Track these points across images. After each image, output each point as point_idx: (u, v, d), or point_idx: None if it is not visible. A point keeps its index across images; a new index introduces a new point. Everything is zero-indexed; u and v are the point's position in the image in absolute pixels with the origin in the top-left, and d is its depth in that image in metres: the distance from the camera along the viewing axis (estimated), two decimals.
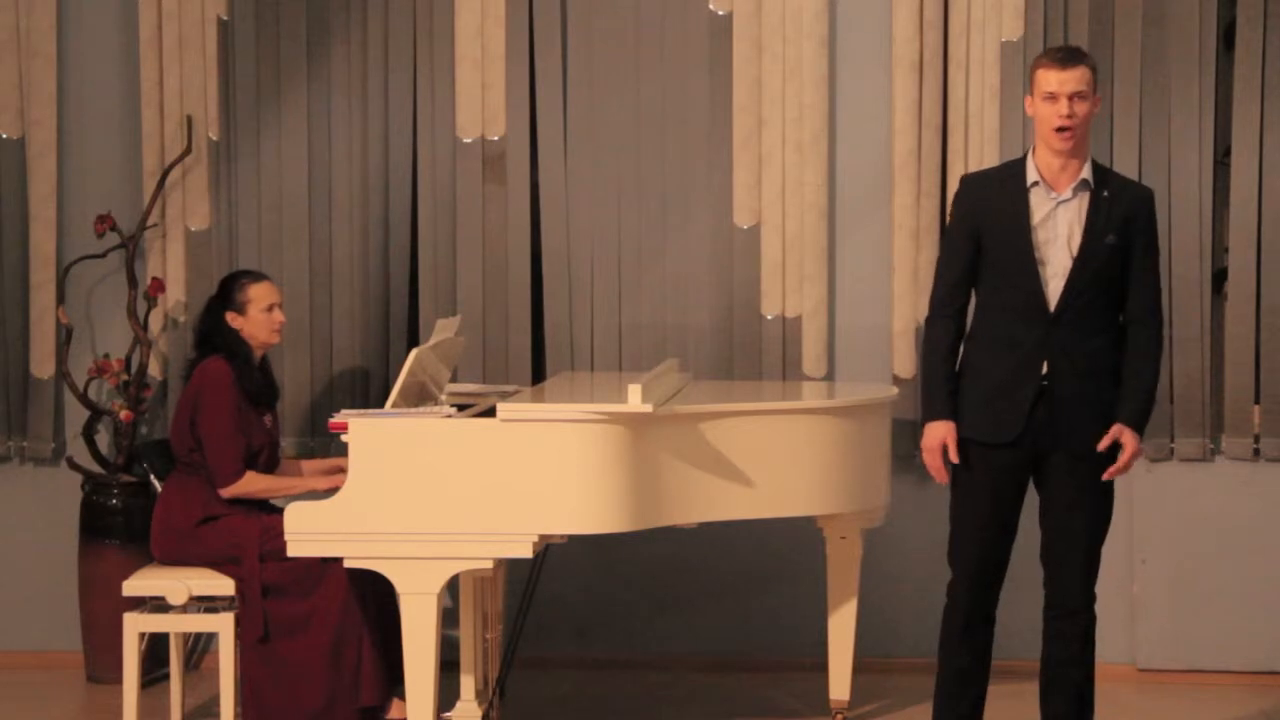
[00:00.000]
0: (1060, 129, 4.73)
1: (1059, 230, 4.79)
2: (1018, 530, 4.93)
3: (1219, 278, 6.44)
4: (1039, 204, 4.80)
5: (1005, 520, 4.89)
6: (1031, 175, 4.82)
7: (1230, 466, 6.41)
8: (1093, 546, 4.89)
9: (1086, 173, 4.81)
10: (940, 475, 4.89)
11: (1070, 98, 4.73)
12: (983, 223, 4.85)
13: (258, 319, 5.72)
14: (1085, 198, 4.80)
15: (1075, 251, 4.77)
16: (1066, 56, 4.78)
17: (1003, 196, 4.83)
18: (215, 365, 5.63)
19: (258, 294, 5.74)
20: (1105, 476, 4.83)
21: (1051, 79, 4.75)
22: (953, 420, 4.85)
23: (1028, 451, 4.84)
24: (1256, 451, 6.39)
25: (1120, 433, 4.81)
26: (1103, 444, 4.80)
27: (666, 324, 6.53)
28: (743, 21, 6.43)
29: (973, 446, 4.86)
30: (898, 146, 6.39)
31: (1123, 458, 4.81)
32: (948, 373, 4.88)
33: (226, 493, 5.56)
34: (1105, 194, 4.80)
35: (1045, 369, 4.79)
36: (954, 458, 4.84)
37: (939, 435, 4.86)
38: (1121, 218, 4.79)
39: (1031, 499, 4.94)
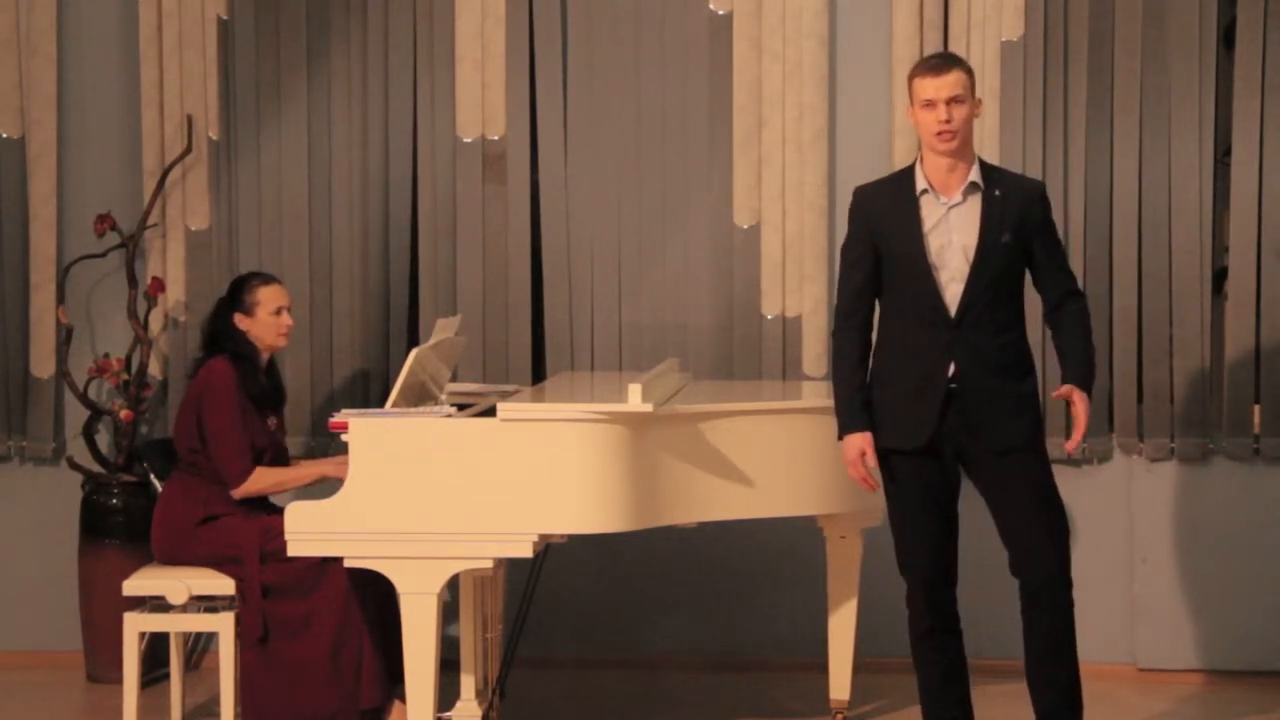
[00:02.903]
0: (940, 134, 4.77)
1: (953, 235, 4.82)
2: (959, 527, 4.94)
3: (1219, 278, 6.44)
4: (930, 211, 4.84)
5: (943, 522, 4.91)
6: (920, 183, 4.85)
7: (1230, 466, 6.40)
8: (1056, 535, 4.86)
9: (975, 175, 4.84)
10: (867, 485, 4.90)
11: (947, 103, 4.77)
12: (877, 233, 4.88)
13: (265, 321, 5.73)
14: (977, 199, 4.83)
15: (972, 254, 4.79)
16: (940, 63, 4.84)
17: (894, 205, 4.87)
18: (219, 366, 5.64)
19: (267, 296, 5.74)
20: (1069, 449, 4.86)
21: (928, 86, 4.79)
22: (868, 430, 4.86)
23: (949, 454, 4.86)
24: (1256, 451, 6.39)
25: (1070, 392, 4.82)
26: (1056, 394, 4.84)
27: (666, 324, 6.53)
28: (743, 21, 6.43)
29: (894, 456, 4.88)
30: (898, 146, 6.39)
31: (1078, 421, 4.81)
32: (858, 384, 4.90)
33: (238, 492, 5.56)
34: (996, 193, 4.83)
35: (952, 371, 4.81)
36: (871, 462, 4.86)
37: (856, 447, 4.87)
38: (1016, 216, 4.82)
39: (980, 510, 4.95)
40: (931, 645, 4.95)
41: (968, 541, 5.00)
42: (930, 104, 4.78)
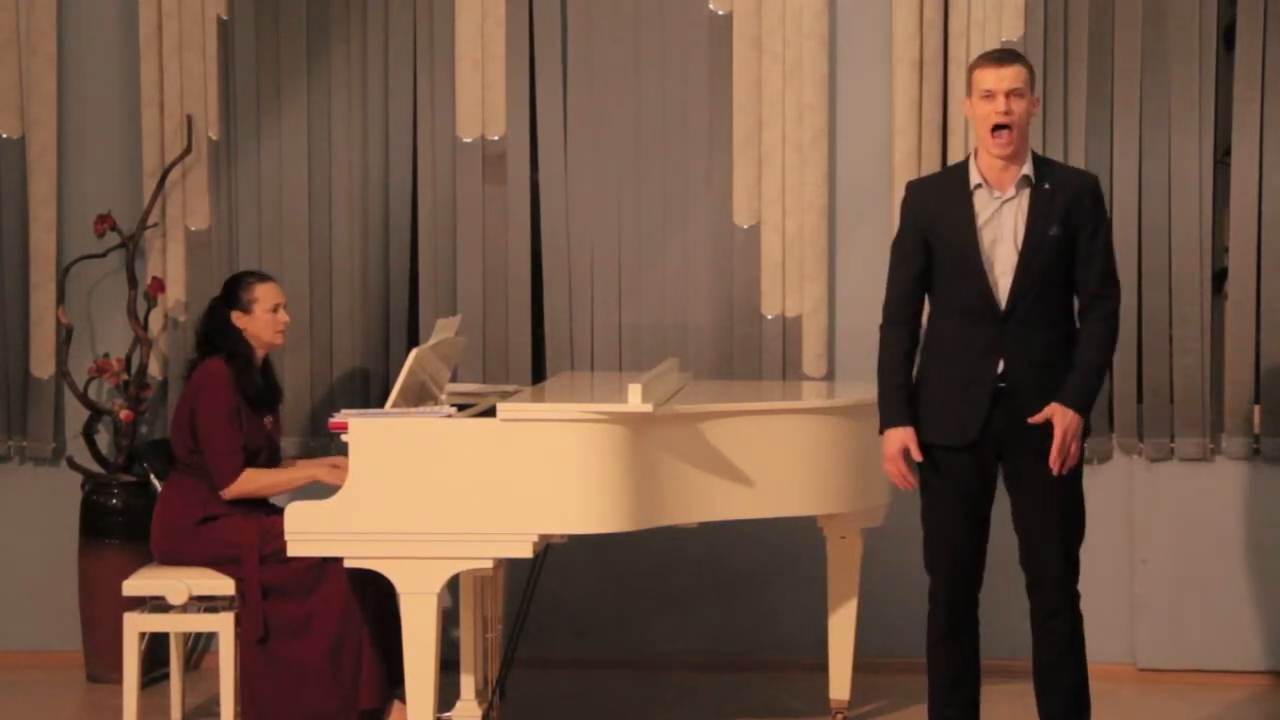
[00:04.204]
0: (998, 127, 4.76)
1: (1004, 229, 4.81)
2: (990, 527, 4.92)
3: (1219, 278, 6.44)
4: (983, 205, 4.83)
5: (976, 521, 4.89)
6: (975, 178, 4.84)
7: (1230, 466, 6.41)
8: (1069, 547, 4.87)
9: (1028, 169, 4.83)
10: (904, 482, 4.89)
11: (1007, 95, 4.76)
12: (930, 227, 4.87)
13: (263, 319, 5.73)
14: (1028, 194, 4.82)
15: (1020, 247, 4.79)
16: (1003, 55, 4.85)
17: (948, 200, 4.86)
18: (214, 366, 5.64)
19: (264, 294, 5.74)
20: (1053, 465, 4.75)
21: (989, 77, 4.79)
22: (910, 425, 4.85)
23: (991, 451, 4.85)
24: (1256, 451, 6.39)
25: (1051, 412, 4.76)
26: (1037, 418, 4.75)
27: (666, 324, 6.53)
28: (743, 21, 6.43)
29: (936, 451, 4.86)
30: (898, 146, 6.39)
31: (1055, 439, 4.74)
32: (903, 379, 4.89)
33: (227, 493, 5.56)
34: (1046, 186, 4.82)
35: (1001, 368, 4.79)
36: (916, 456, 4.84)
37: (898, 442, 4.86)
38: (1064, 208, 4.81)
39: (1003, 500, 4.93)
40: (948, 644, 4.94)
41: None
42: (990, 95, 4.77)
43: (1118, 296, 4.96)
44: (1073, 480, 4.86)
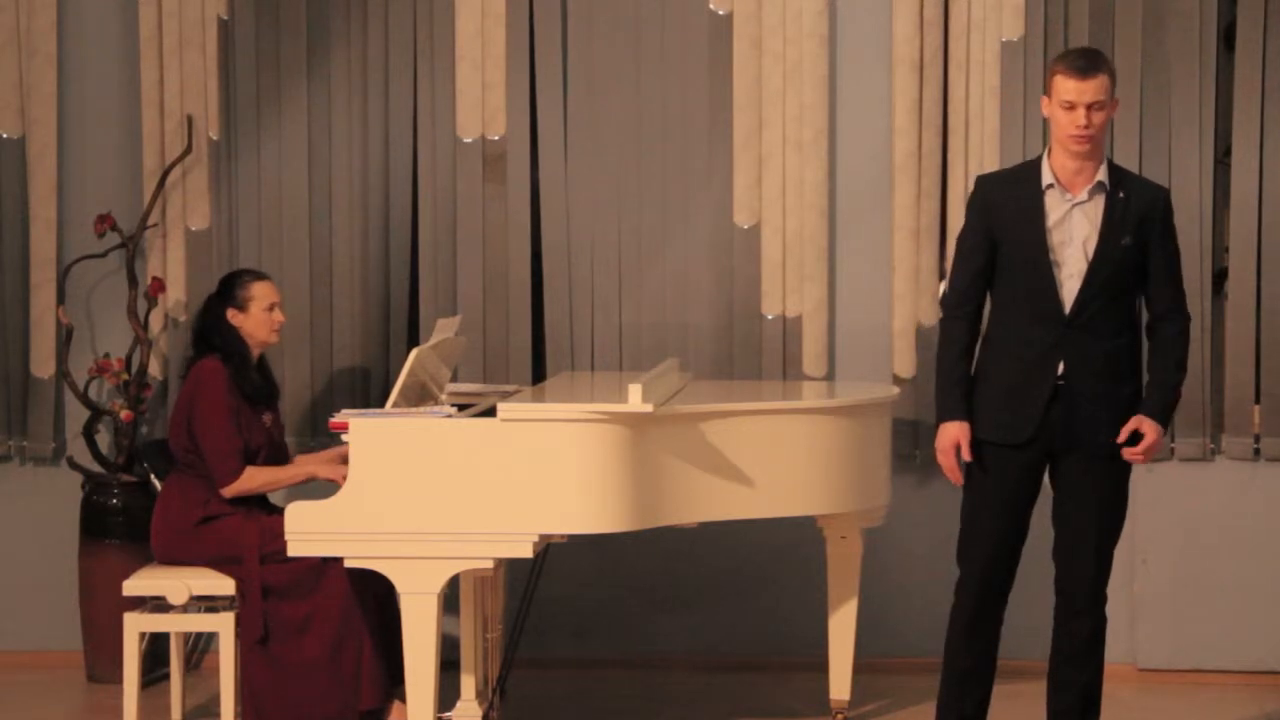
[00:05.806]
0: (1074, 137, 4.74)
1: (1074, 233, 4.79)
2: (1029, 531, 4.92)
3: (1219, 278, 6.44)
4: (1054, 206, 4.80)
5: (1017, 522, 4.89)
6: (1047, 177, 4.82)
7: (1230, 466, 6.41)
8: (1104, 549, 4.89)
9: (1103, 175, 4.81)
10: (955, 476, 4.88)
11: (1088, 108, 4.73)
12: (997, 224, 4.85)
13: (259, 317, 5.72)
14: (1101, 200, 4.80)
15: (1091, 254, 4.77)
16: (1086, 65, 4.75)
17: (1018, 198, 4.83)
18: (209, 365, 5.63)
19: (260, 292, 5.74)
20: (1126, 456, 4.80)
21: (1070, 88, 4.73)
22: (966, 420, 4.84)
23: (1042, 452, 4.84)
24: (1256, 451, 6.39)
25: (1140, 422, 4.80)
26: (1122, 435, 4.79)
27: (666, 324, 6.53)
28: (743, 21, 6.43)
29: (987, 447, 4.85)
30: (898, 146, 6.39)
31: (1143, 444, 4.79)
32: (962, 373, 4.88)
33: (228, 492, 5.56)
34: (1121, 195, 4.80)
35: (1061, 369, 4.79)
36: (966, 455, 4.83)
37: (952, 436, 4.85)
38: (1137, 219, 4.80)
39: (1044, 497, 4.93)
40: (968, 640, 4.94)
41: None
42: (1070, 106, 4.73)
43: (1188, 315, 4.97)
44: (1121, 482, 4.88)
